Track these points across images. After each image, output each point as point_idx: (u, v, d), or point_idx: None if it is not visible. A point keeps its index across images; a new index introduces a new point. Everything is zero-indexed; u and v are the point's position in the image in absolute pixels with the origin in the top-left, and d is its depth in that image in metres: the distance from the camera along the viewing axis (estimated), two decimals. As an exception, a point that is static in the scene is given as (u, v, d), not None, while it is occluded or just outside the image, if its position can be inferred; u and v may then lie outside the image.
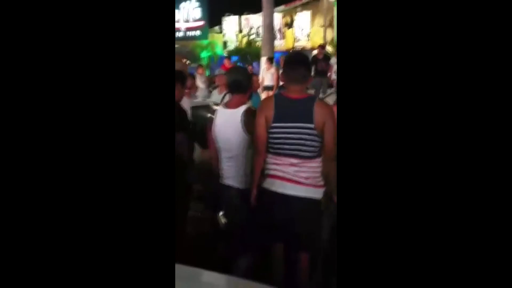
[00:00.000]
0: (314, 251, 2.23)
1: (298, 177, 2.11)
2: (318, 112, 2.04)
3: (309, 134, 2.06)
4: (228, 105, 2.38)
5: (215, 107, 3.82)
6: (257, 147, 2.20)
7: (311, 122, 2.05)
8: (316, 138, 2.07)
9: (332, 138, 2.08)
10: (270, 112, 2.13)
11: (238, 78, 2.41)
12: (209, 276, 1.60)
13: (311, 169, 2.12)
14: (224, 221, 2.49)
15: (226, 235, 2.54)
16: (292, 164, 2.10)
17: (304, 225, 2.11)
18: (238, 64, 13.13)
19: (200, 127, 3.40)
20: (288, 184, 2.10)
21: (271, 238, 2.22)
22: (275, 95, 2.28)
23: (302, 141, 2.09)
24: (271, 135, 2.14)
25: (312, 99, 2.15)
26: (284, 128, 2.11)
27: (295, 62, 2.24)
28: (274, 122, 2.11)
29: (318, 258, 2.32)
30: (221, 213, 2.46)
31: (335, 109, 2.19)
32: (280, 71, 6.44)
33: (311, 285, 2.27)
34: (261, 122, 2.15)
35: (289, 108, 2.12)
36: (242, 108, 2.26)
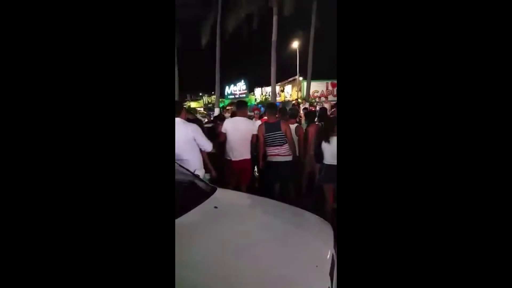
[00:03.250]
0: (293, 182, 4.36)
1: (281, 153, 4.24)
2: (282, 126, 4.13)
3: (280, 136, 4.14)
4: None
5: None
6: (259, 144, 4.29)
7: (280, 130, 4.13)
8: (283, 136, 4.15)
9: (290, 135, 4.14)
10: (263, 130, 4.18)
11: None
12: (246, 196, 2.69)
13: (284, 149, 4.19)
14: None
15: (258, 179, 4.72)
16: (277, 148, 4.23)
17: (288, 172, 4.25)
18: (261, 108, 13.46)
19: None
20: (277, 156, 4.20)
21: (275, 180, 4.32)
22: (264, 123, 4.28)
23: (278, 139, 4.15)
24: (266, 139, 4.19)
25: (279, 121, 4.20)
26: (270, 135, 4.16)
27: (271, 107, 4.54)
28: (265, 133, 4.17)
29: (296, 186, 4.40)
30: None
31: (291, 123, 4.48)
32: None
33: (297, 199, 4.03)
34: (260, 134, 4.22)
35: (270, 126, 4.16)
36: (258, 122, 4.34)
